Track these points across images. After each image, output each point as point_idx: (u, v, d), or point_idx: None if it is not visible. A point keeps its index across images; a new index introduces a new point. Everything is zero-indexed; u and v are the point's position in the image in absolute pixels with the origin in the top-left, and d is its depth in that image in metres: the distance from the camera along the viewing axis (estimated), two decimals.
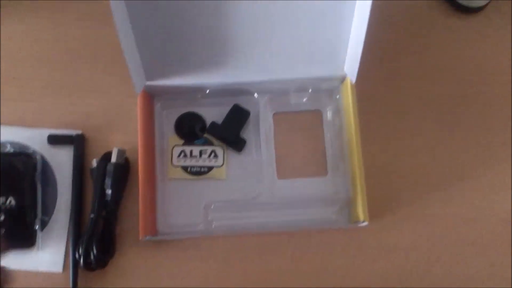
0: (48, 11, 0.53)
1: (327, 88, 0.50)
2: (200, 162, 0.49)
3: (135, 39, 0.44)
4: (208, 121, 0.50)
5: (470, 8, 0.52)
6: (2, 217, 0.46)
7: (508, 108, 0.51)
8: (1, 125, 0.50)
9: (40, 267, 0.47)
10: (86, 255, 0.45)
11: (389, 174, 0.49)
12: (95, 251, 0.45)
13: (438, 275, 0.47)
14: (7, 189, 0.47)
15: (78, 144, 0.49)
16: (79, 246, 0.45)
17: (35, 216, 0.48)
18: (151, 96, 0.49)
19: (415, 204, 0.49)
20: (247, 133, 0.50)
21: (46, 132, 0.50)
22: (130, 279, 0.47)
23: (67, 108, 0.51)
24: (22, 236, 0.47)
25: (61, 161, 0.49)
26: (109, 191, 0.46)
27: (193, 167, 0.49)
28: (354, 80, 0.46)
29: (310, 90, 0.49)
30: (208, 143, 0.49)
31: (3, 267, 0.47)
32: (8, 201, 0.47)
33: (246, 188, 0.48)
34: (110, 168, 0.46)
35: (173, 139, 0.50)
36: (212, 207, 0.47)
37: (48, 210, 0.48)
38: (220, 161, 0.49)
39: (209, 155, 0.49)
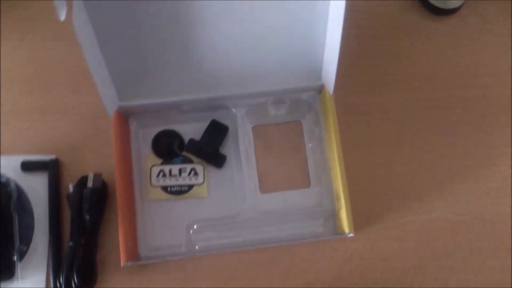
0: (15, 32, 0.52)
1: (306, 98, 0.49)
2: (180, 181, 0.48)
3: (104, 61, 0.43)
4: (186, 138, 0.49)
5: (445, 10, 0.52)
6: None
7: (491, 110, 0.51)
8: None
9: None
10: (67, 284, 0.43)
11: (372, 183, 0.49)
12: (76, 280, 0.43)
13: (427, 282, 0.47)
14: None
15: (52, 169, 0.48)
16: (59, 275, 0.44)
17: (13, 247, 0.46)
18: (125, 116, 0.48)
19: (400, 211, 0.48)
20: (227, 148, 0.49)
21: (19, 158, 0.48)
22: None
23: (39, 132, 0.49)
24: (0, 267, 0.46)
25: (36, 188, 0.48)
26: (87, 217, 0.45)
27: (173, 186, 0.48)
28: (331, 89, 0.45)
29: (288, 102, 0.48)
30: (187, 160, 0.48)
31: None
32: None
33: (229, 204, 0.47)
34: (86, 193, 0.45)
35: (150, 159, 0.48)
36: (195, 227, 0.46)
37: (25, 239, 0.47)
38: (200, 178, 0.48)
39: (189, 173, 0.48)
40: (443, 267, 0.47)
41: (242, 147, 0.48)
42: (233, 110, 0.48)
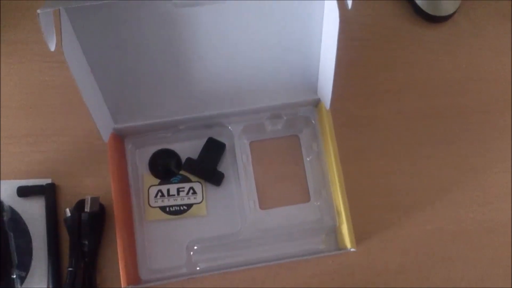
0: (7, 55, 0.51)
1: (302, 113, 0.49)
2: (179, 201, 0.47)
3: (97, 85, 0.42)
4: (183, 157, 0.48)
5: (438, 17, 0.51)
6: None
7: (488, 118, 0.51)
8: None
9: None
10: None
11: (371, 195, 0.48)
12: None
13: None
14: None
15: (49, 194, 0.47)
16: None
17: (11, 265, 0.46)
18: (121, 137, 0.48)
19: (400, 223, 0.48)
20: (225, 165, 0.48)
21: (15, 183, 0.48)
22: None
23: (34, 156, 0.49)
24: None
25: (33, 212, 0.47)
26: (86, 242, 0.45)
27: (172, 206, 0.47)
28: (328, 105, 0.45)
29: (285, 117, 0.48)
30: (185, 180, 0.48)
31: None
32: None
33: (229, 222, 0.47)
34: (84, 218, 0.45)
35: (148, 179, 0.48)
36: (195, 248, 0.46)
37: (24, 265, 0.46)
38: (199, 197, 0.47)
39: (188, 192, 0.48)
40: (445, 277, 0.47)
41: (240, 163, 0.47)
42: (230, 127, 0.48)
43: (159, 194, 0.47)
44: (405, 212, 0.48)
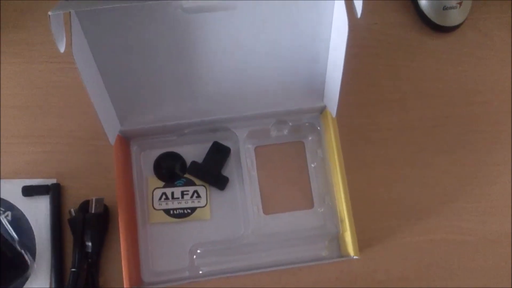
0: (12, 55, 0.51)
1: (307, 119, 0.49)
2: (183, 204, 0.47)
3: (105, 86, 0.42)
4: (188, 160, 0.48)
5: (446, 28, 0.51)
6: None
7: (493, 128, 0.51)
8: None
9: None
10: None
11: (375, 203, 0.48)
12: None
13: None
14: None
15: (54, 194, 0.47)
16: None
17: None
18: (126, 139, 0.48)
19: (403, 232, 0.48)
20: (229, 169, 0.48)
21: (20, 183, 0.48)
22: None
23: (39, 156, 0.49)
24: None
25: (37, 212, 0.47)
26: (89, 243, 0.45)
27: (176, 209, 0.47)
28: (334, 113, 0.45)
29: (290, 123, 0.48)
30: (190, 183, 0.48)
31: None
32: None
33: (232, 226, 0.47)
34: (89, 219, 0.45)
35: (152, 182, 0.48)
36: (198, 251, 0.46)
37: (27, 265, 0.46)
38: (203, 201, 0.48)
39: (192, 196, 0.48)
40: (448, 287, 0.47)
41: (244, 168, 0.47)
42: (235, 132, 0.48)
43: (163, 196, 0.48)
44: (408, 221, 0.48)
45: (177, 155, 0.49)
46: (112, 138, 0.43)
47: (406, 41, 0.53)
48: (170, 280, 0.45)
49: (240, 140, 0.48)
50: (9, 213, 0.47)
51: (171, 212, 0.47)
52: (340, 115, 0.46)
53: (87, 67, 0.39)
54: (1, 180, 0.48)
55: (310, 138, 0.49)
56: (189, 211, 0.47)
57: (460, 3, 0.51)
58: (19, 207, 0.48)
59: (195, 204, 0.47)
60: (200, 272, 0.46)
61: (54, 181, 0.48)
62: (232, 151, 0.48)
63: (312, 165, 0.49)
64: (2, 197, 0.48)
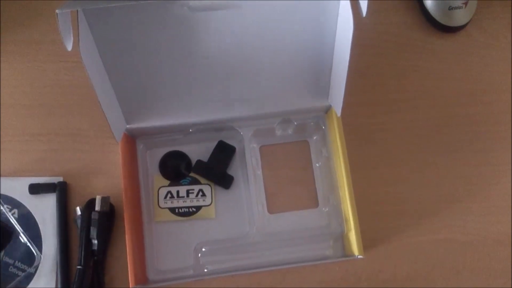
0: (19, 54, 0.52)
1: (312, 118, 0.49)
2: (188, 202, 0.48)
3: (111, 85, 0.43)
4: (193, 159, 0.49)
5: (451, 28, 0.51)
6: None
7: (497, 128, 0.51)
8: None
9: None
10: None
11: (379, 203, 0.48)
12: None
13: None
14: None
15: (61, 192, 0.48)
16: None
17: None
18: (132, 137, 0.48)
19: (407, 232, 0.48)
20: (234, 168, 0.49)
21: (27, 180, 0.48)
22: None
23: (46, 154, 0.49)
24: None
25: (44, 210, 0.48)
26: (95, 241, 0.45)
27: (181, 208, 0.48)
28: (339, 112, 0.45)
29: (295, 122, 0.48)
30: (195, 182, 0.48)
31: None
32: None
33: (237, 225, 0.47)
34: (94, 217, 0.45)
35: (158, 180, 0.48)
36: (203, 250, 0.46)
37: (33, 262, 0.47)
38: (208, 200, 0.48)
39: (197, 194, 0.48)
40: (452, 287, 0.47)
41: (249, 167, 0.48)
42: (240, 131, 0.48)
43: (169, 195, 0.48)
44: (413, 221, 0.48)
45: (182, 154, 0.49)
46: (118, 136, 0.43)
47: (411, 41, 0.53)
48: (175, 278, 0.45)
49: (245, 139, 0.48)
50: (15, 210, 0.48)
51: (177, 210, 0.47)
52: (344, 114, 0.46)
53: (94, 66, 0.39)
54: (8, 177, 0.48)
55: (315, 137, 0.49)
56: (194, 209, 0.48)
57: (465, 3, 0.51)
58: (25, 204, 0.48)
59: (200, 203, 0.48)
60: (205, 270, 0.46)
61: (60, 179, 0.48)
62: (237, 150, 0.49)
63: (317, 165, 0.49)
64: (9, 194, 0.48)
